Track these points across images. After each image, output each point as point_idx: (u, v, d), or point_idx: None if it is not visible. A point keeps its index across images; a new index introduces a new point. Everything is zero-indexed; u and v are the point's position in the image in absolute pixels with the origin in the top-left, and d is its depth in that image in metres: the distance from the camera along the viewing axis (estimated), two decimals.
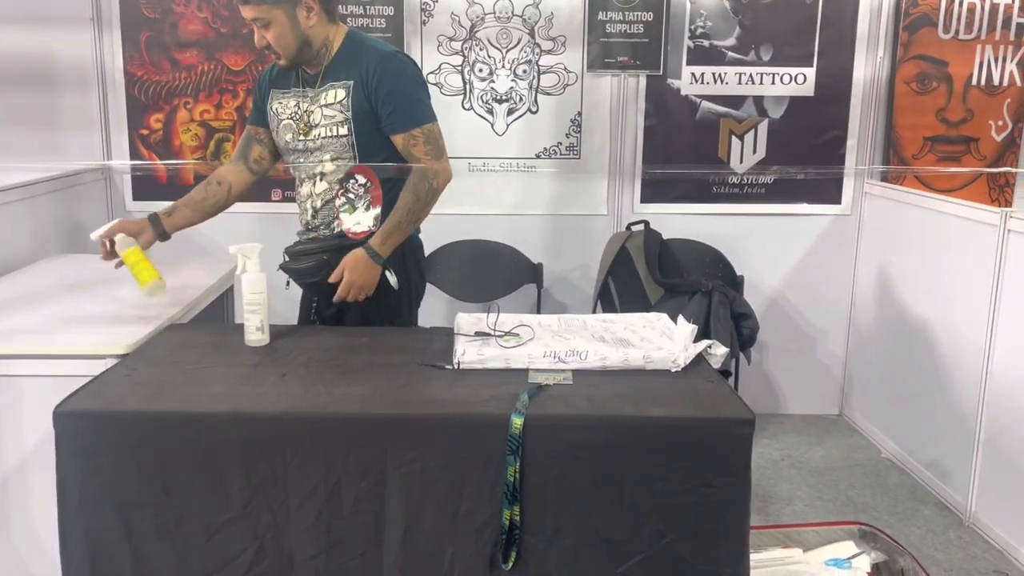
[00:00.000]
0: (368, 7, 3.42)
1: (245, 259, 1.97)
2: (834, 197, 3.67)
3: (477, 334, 1.94)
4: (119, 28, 3.42)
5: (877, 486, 3.15)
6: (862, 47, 3.53)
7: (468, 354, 1.83)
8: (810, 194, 3.66)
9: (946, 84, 3.56)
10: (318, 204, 2.23)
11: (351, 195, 2.10)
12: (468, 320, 2.05)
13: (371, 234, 2.13)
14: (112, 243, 2.17)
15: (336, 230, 2.22)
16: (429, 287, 3.49)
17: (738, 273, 3.33)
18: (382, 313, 2.25)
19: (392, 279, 2.19)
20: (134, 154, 3.51)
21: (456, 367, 1.83)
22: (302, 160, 2.23)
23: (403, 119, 2.15)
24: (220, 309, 2.84)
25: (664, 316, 2.15)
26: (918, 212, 3.32)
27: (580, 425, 1.60)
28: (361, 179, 2.10)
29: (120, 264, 2.18)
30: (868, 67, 3.55)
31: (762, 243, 3.64)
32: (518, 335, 1.94)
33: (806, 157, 3.62)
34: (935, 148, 3.61)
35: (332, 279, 2.13)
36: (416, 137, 2.16)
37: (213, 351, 1.94)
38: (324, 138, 2.18)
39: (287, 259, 2.23)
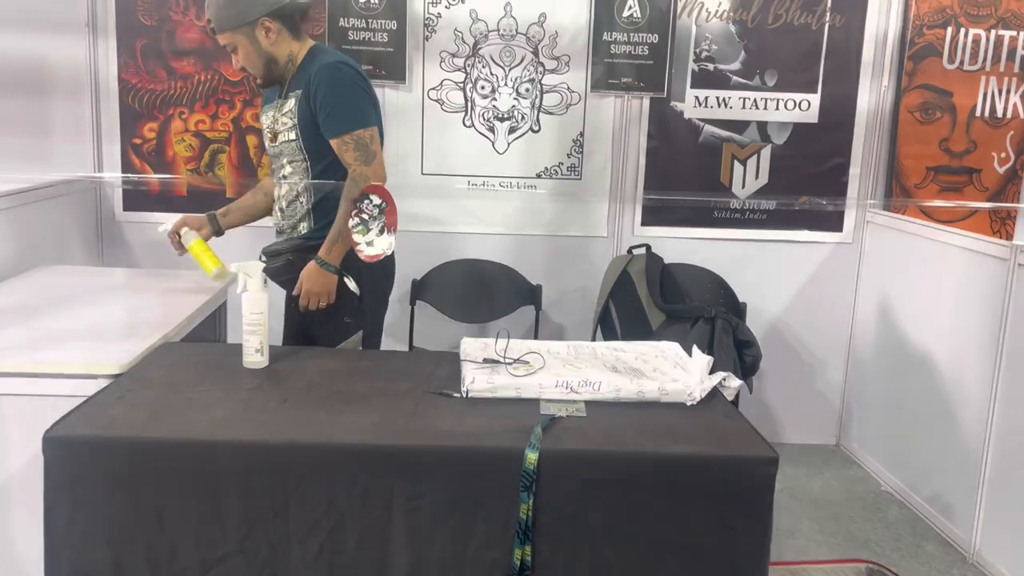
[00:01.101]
0: (370, 21, 3.37)
1: (247, 277, 1.90)
2: (836, 225, 3.64)
3: (486, 361, 1.88)
4: (114, 34, 3.34)
5: (878, 520, 3.10)
6: (867, 75, 3.51)
7: (477, 382, 1.76)
8: (811, 221, 3.63)
9: (950, 114, 3.55)
10: (283, 205, 2.38)
11: (364, 215, 2.05)
12: (475, 345, 1.99)
13: (384, 258, 2.09)
14: (179, 236, 2.45)
15: (302, 232, 2.36)
16: (425, 307, 3.44)
17: (740, 300, 3.28)
18: (339, 310, 2.32)
19: (351, 284, 2.28)
20: (126, 163, 3.43)
21: (465, 395, 1.76)
22: (274, 165, 2.42)
23: (335, 124, 2.23)
24: (212, 326, 2.76)
25: (676, 346, 2.09)
26: (921, 242, 3.29)
27: (597, 461, 1.53)
28: (376, 200, 2.05)
29: (185, 253, 2.47)
30: (872, 95, 3.53)
31: (762, 269, 3.60)
32: (528, 363, 1.87)
33: (809, 184, 3.59)
34: (938, 178, 3.60)
35: (295, 292, 2.28)
36: (347, 143, 2.23)
37: (210, 373, 1.86)
38: (282, 143, 2.33)
39: (263, 259, 2.36)
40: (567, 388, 1.77)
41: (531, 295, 3.43)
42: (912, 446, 3.28)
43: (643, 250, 3.32)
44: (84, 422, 1.56)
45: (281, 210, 2.39)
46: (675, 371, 1.89)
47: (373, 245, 2.08)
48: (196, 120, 3.42)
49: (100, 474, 1.50)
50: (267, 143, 2.41)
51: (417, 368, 1.96)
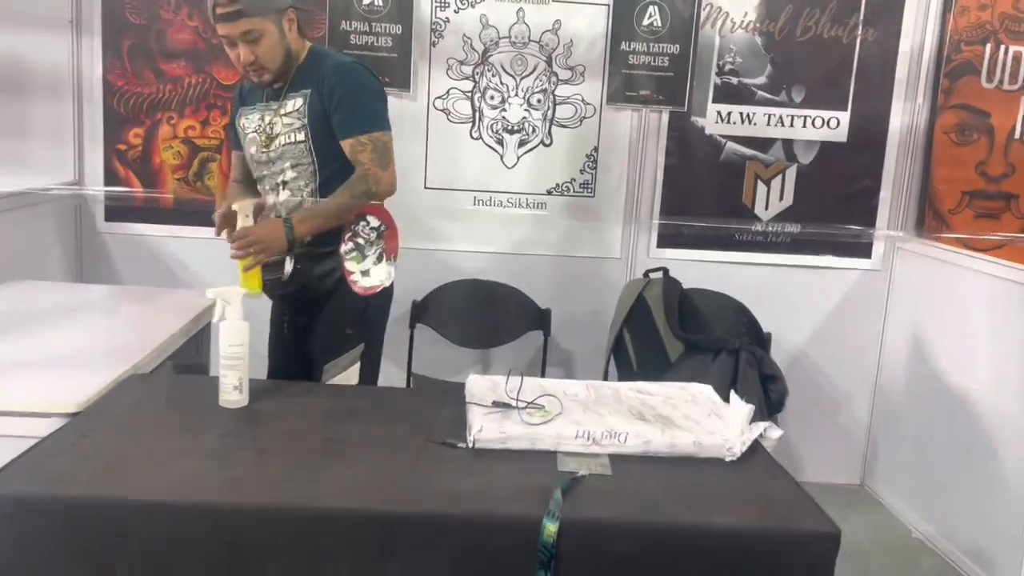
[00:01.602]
0: (374, 24, 3.16)
1: (225, 304, 1.68)
2: (864, 251, 3.42)
3: (495, 404, 1.65)
4: (100, 33, 3.13)
5: (913, 571, 2.87)
6: (900, 93, 3.31)
7: (486, 431, 1.54)
8: (838, 247, 3.41)
9: (987, 136, 3.34)
10: (282, 213, 2.14)
11: (360, 240, 1.84)
12: (482, 385, 1.76)
13: (379, 291, 1.86)
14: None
15: (307, 240, 2.13)
16: (426, 331, 3.21)
17: (764, 330, 3.06)
18: (341, 319, 2.12)
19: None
20: (109, 171, 3.21)
21: (471, 446, 1.53)
22: (266, 172, 2.20)
23: (352, 124, 2.10)
24: (194, 349, 2.54)
25: (708, 389, 1.87)
26: (955, 271, 3.08)
27: (627, 534, 1.31)
28: (373, 222, 1.83)
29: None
30: (906, 114, 3.32)
31: (784, 296, 3.38)
32: (543, 407, 1.65)
33: (836, 207, 3.37)
34: (973, 203, 3.38)
35: (235, 235, 2.02)
36: (363, 143, 2.10)
37: (181, 413, 1.64)
38: (284, 146, 2.14)
39: (263, 274, 2.14)
40: (589, 439, 1.55)
41: (540, 320, 3.21)
42: (945, 489, 3.05)
43: (660, 274, 3.10)
44: (27, 475, 1.33)
45: (280, 217, 2.17)
46: (710, 420, 1.67)
47: (369, 275, 1.86)
48: (186, 126, 3.21)
49: (46, 539, 1.28)
50: (253, 149, 2.20)
51: (417, 409, 1.74)
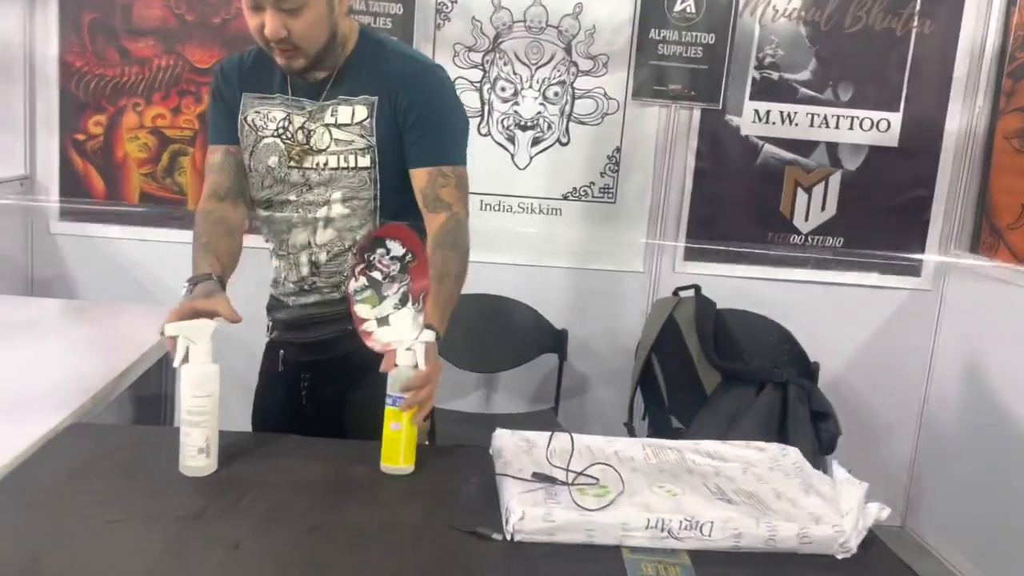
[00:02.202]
0: (371, 3, 2.78)
1: (188, 344, 1.30)
2: (912, 268, 3.08)
3: (535, 476, 1.29)
4: (56, 6, 2.73)
5: None
6: (958, 93, 2.97)
7: (529, 519, 1.17)
8: (884, 263, 3.07)
9: None
10: (322, 257, 1.62)
11: (376, 273, 1.41)
12: (515, 446, 1.40)
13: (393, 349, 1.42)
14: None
15: (344, 290, 1.60)
16: None
17: (811, 358, 2.71)
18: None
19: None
20: (65, 164, 2.81)
21: (510, 538, 1.17)
22: (293, 197, 1.61)
23: (435, 151, 1.59)
24: (158, 377, 2.16)
25: (794, 452, 1.52)
26: (1014, 292, 2.75)
27: None
28: (395, 248, 1.41)
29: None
30: (963, 117, 2.98)
31: (823, 317, 3.03)
32: (598, 480, 1.29)
33: (883, 219, 3.03)
34: None
35: (414, 383, 1.34)
36: (447, 176, 1.59)
37: (131, 482, 1.26)
38: (335, 169, 1.58)
39: (281, 329, 1.70)
40: (663, 530, 1.18)
41: (554, 341, 2.85)
42: (998, 535, 2.73)
43: (691, 292, 2.74)
44: None
45: (315, 262, 1.61)
46: (809, 499, 1.31)
47: (389, 325, 1.40)
48: (154, 114, 2.81)
49: None
50: (273, 160, 1.60)
51: (433, 477, 1.37)
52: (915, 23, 2.93)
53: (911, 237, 3.06)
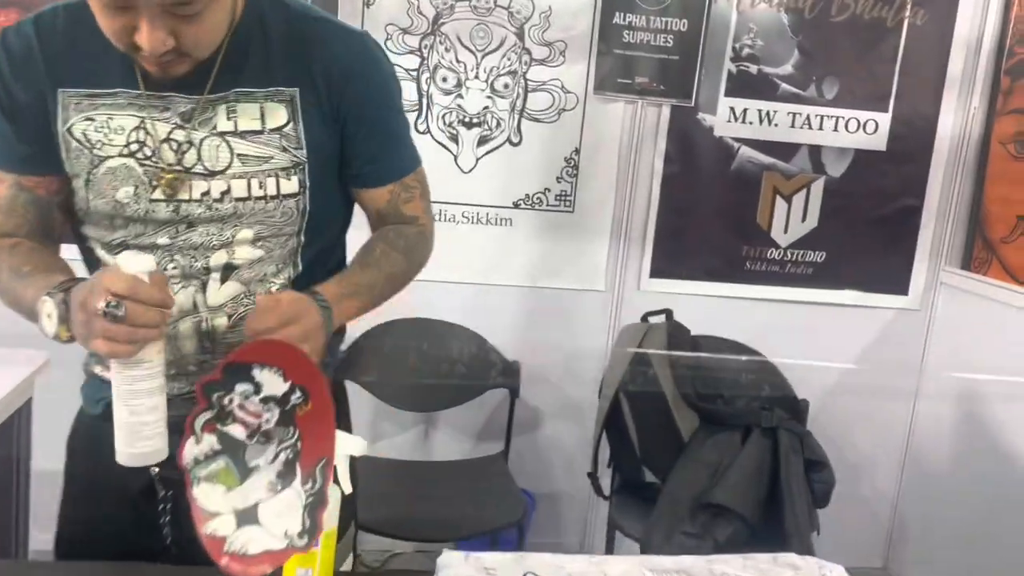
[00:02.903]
0: None
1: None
2: (899, 285, 2.78)
3: None
4: None
5: None
6: (952, 92, 2.67)
7: None
8: (867, 280, 2.77)
9: None
10: (219, 324, 1.13)
11: (240, 426, 0.93)
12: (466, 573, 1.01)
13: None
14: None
15: None
16: (352, 388, 2.42)
17: (798, 395, 2.38)
18: None
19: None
20: None
21: None
22: (163, 238, 1.11)
23: (398, 160, 1.23)
24: (7, 440, 1.72)
25: (837, 570, 1.16)
26: (1012, 313, 2.48)
27: None
28: (273, 381, 0.92)
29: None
30: (958, 118, 2.69)
31: (800, 340, 2.70)
32: None
33: (870, 231, 2.73)
34: None
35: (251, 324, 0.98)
36: (411, 188, 1.25)
37: None
38: (243, 200, 1.10)
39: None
40: None
41: (504, 374, 2.46)
42: None
43: (662, 318, 2.38)
44: None
45: (206, 334, 1.13)
46: None
47: (258, 523, 0.88)
48: None
49: None
50: (125, 192, 1.09)
51: None
52: (907, 13, 2.61)
53: (899, 251, 2.76)
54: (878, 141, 2.68)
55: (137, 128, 1.08)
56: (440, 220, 2.53)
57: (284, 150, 1.11)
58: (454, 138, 2.50)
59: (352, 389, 2.38)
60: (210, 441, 0.88)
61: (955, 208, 2.74)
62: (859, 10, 2.60)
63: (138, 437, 0.93)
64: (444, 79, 2.47)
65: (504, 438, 2.48)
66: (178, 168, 1.08)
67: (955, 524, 2.64)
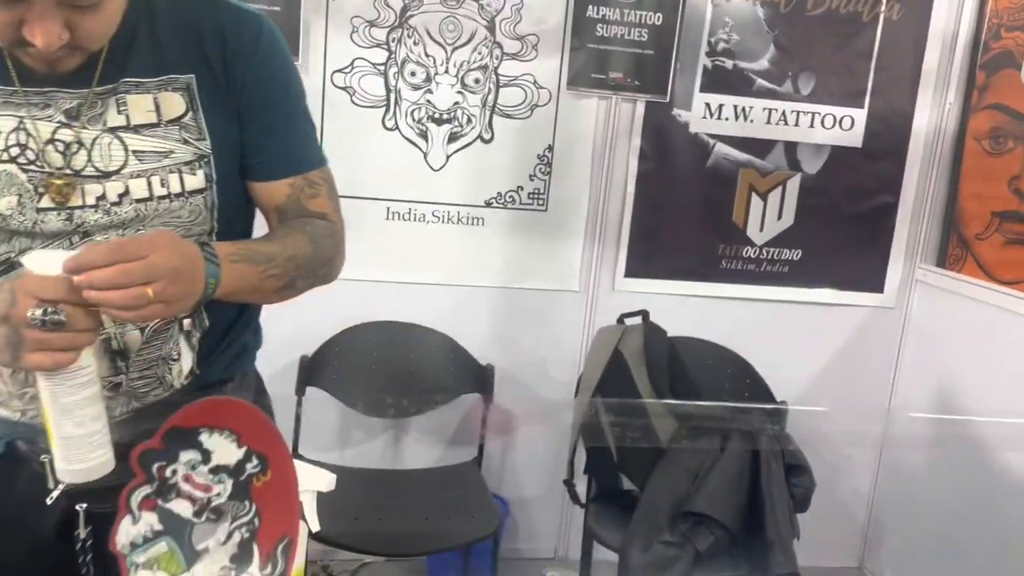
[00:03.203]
0: None
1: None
2: (875, 283, 2.75)
3: None
4: None
5: None
6: (928, 88, 2.64)
7: None
8: (842, 278, 2.73)
9: (1023, 145, 2.72)
10: (132, 340, 1.03)
11: (186, 501, 0.82)
12: None
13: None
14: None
15: (181, 381, 1.07)
16: (319, 395, 2.34)
17: (776, 396, 2.34)
18: None
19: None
20: None
21: None
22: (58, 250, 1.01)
23: (297, 151, 1.14)
24: None
25: None
26: (988, 311, 2.47)
27: None
28: (224, 447, 0.82)
29: None
30: (933, 114, 2.66)
31: (775, 339, 2.67)
32: None
33: (846, 229, 2.69)
34: (1003, 227, 2.76)
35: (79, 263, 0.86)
36: (316, 184, 1.16)
37: None
38: (145, 201, 1.01)
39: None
40: None
41: (477, 378, 2.39)
42: None
43: (639, 320, 2.32)
44: None
45: (118, 352, 1.02)
46: None
47: None
48: None
49: None
50: (26, 205, 0.98)
51: None
52: (883, 7, 2.58)
53: (874, 249, 2.73)
54: (854, 137, 2.64)
55: (16, 130, 0.97)
56: (409, 220, 2.45)
57: (185, 142, 1.02)
58: (423, 135, 2.42)
59: (319, 396, 2.30)
60: (149, 520, 0.77)
61: (930, 205, 2.72)
62: (835, 4, 2.55)
63: (88, 449, 0.84)
64: (413, 74, 2.38)
65: (477, 444, 2.42)
66: (67, 172, 0.98)
67: (931, 523, 2.63)
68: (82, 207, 0.99)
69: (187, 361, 1.06)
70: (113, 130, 0.99)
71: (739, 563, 1.96)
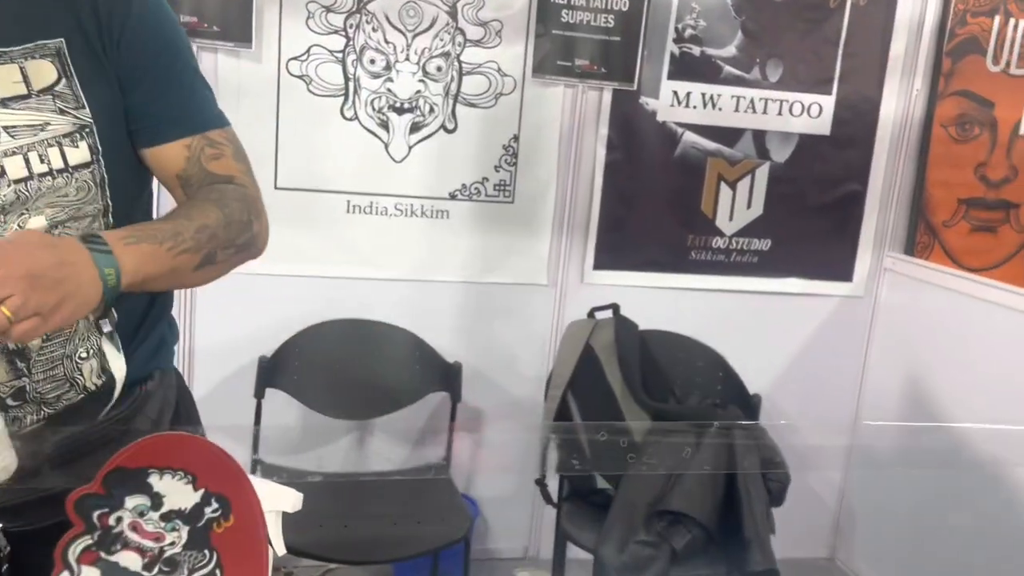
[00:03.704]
0: None
1: None
2: (843, 272, 2.73)
3: None
4: None
5: None
6: (895, 74, 2.62)
7: None
8: (810, 268, 2.71)
9: (989, 131, 2.71)
10: (31, 344, 0.93)
11: (133, 553, 0.72)
12: None
13: None
14: None
15: (86, 388, 0.98)
16: (280, 397, 2.25)
17: (749, 389, 2.30)
18: None
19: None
20: None
21: None
22: None
23: (190, 109, 1.05)
24: None
25: None
26: (955, 298, 2.47)
27: None
28: (177, 489, 0.74)
29: None
30: (900, 101, 2.64)
31: (744, 329, 2.63)
32: None
33: (815, 218, 2.67)
34: (970, 214, 2.75)
35: None
36: (218, 144, 1.05)
37: None
38: (24, 181, 0.92)
39: None
40: None
41: (444, 376, 2.32)
42: (943, 569, 2.45)
43: (609, 313, 2.27)
44: None
45: (17, 352, 0.94)
46: None
47: None
48: None
49: None
50: None
51: None
52: None
53: (843, 237, 2.71)
54: (822, 125, 2.61)
55: None
56: (371, 213, 2.37)
57: (62, 112, 0.93)
58: (384, 125, 2.34)
59: (279, 397, 2.21)
60: (91, 575, 0.68)
61: (898, 192, 2.70)
62: None
63: None
64: (372, 61, 2.29)
65: (445, 444, 2.35)
66: None
67: (902, 513, 2.62)
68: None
69: (97, 360, 0.97)
70: (26, 99, 0.91)
71: (716, 561, 1.92)
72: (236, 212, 1.00)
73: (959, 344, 2.47)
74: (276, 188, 2.29)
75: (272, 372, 2.18)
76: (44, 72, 0.93)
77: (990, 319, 2.37)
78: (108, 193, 0.98)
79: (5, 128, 0.91)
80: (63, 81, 0.94)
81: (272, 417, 2.18)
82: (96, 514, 0.69)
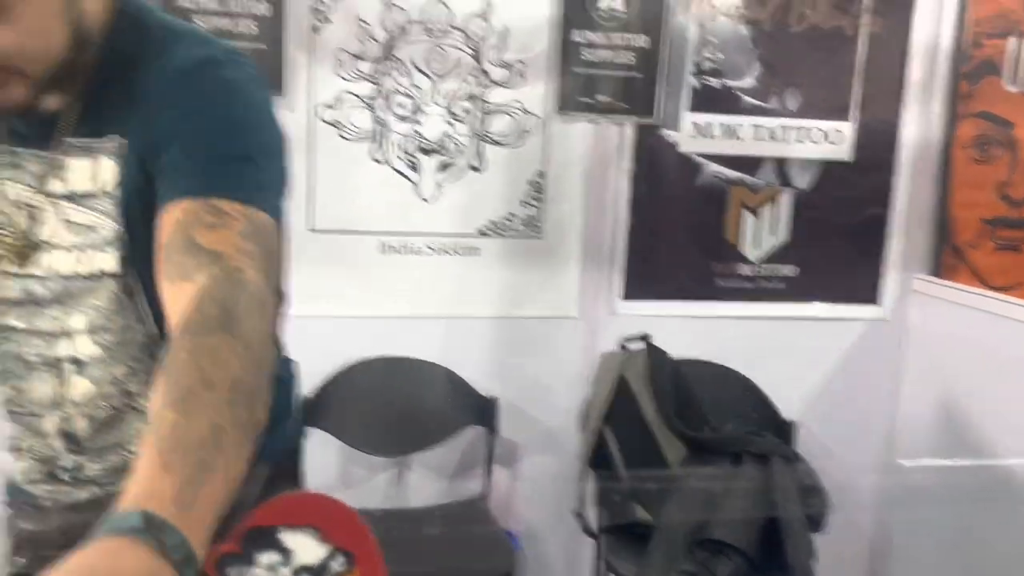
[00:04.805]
0: (229, 1, 2.20)
1: None
2: (869, 295, 2.75)
3: None
4: None
5: None
6: (913, 98, 2.65)
7: None
8: (839, 291, 2.73)
9: (1009, 151, 2.74)
10: (79, 428, 0.94)
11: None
12: None
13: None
14: None
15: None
16: (319, 436, 2.29)
17: (783, 415, 2.31)
18: None
19: None
20: None
21: None
22: (15, 320, 0.94)
23: (209, 173, 0.85)
24: None
25: None
26: (983, 317, 2.47)
27: None
28: (307, 545, 0.74)
29: None
30: (920, 125, 2.67)
31: (776, 356, 2.64)
32: None
33: (840, 243, 2.69)
34: (995, 235, 2.77)
35: None
36: (225, 215, 0.82)
37: None
38: (69, 277, 0.91)
39: (31, 548, 0.97)
40: None
41: (480, 410, 2.35)
42: None
43: (642, 344, 2.30)
44: None
45: (69, 436, 0.94)
46: None
47: None
48: None
49: None
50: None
51: None
52: (866, 21, 2.59)
53: (868, 261, 2.73)
54: (843, 151, 2.64)
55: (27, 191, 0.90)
56: (404, 252, 2.41)
57: (105, 215, 0.88)
58: (413, 166, 2.39)
59: (319, 437, 2.25)
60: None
61: (921, 215, 2.72)
62: (818, 20, 2.56)
63: None
64: (400, 105, 2.36)
65: (483, 478, 2.37)
66: (24, 238, 0.90)
67: (941, 546, 2.60)
68: (32, 276, 0.92)
69: None
70: (54, 198, 0.90)
71: None
72: (252, 333, 0.76)
73: (990, 363, 2.47)
74: (310, 231, 2.34)
75: (315, 411, 2.22)
76: (107, 169, 0.88)
77: (1021, 337, 2.37)
78: (142, 305, 0.91)
79: (71, 223, 0.89)
80: (118, 183, 0.88)
81: (313, 456, 2.21)
82: (232, 572, 0.71)
